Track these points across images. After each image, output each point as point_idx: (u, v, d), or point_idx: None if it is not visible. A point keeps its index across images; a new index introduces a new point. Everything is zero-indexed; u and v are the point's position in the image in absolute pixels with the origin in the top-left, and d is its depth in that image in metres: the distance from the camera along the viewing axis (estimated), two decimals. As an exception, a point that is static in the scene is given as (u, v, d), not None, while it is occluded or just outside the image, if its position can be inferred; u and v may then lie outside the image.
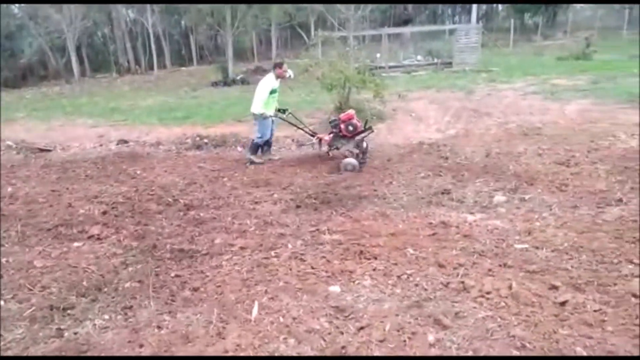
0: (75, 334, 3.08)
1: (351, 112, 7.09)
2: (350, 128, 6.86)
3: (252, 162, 7.41)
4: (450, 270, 3.59)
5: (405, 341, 2.77)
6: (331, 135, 7.09)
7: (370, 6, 21.43)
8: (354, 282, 3.55)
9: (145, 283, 3.69)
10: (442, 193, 5.42)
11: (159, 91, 18.77)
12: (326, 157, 7.42)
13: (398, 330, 2.87)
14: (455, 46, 19.85)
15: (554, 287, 3.24)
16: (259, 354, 2.78)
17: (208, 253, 4.20)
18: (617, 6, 30.32)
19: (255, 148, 7.57)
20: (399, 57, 22.43)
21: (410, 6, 36.21)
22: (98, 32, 34.57)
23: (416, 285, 3.42)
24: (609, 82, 11.49)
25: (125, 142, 9.39)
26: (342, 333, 2.91)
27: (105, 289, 3.63)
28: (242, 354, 2.78)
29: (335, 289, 3.45)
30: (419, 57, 22.44)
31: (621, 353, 2.53)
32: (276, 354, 2.77)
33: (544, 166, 6.06)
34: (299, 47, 28.04)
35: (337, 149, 7.08)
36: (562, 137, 7.23)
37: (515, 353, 2.60)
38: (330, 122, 7.24)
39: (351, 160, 6.63)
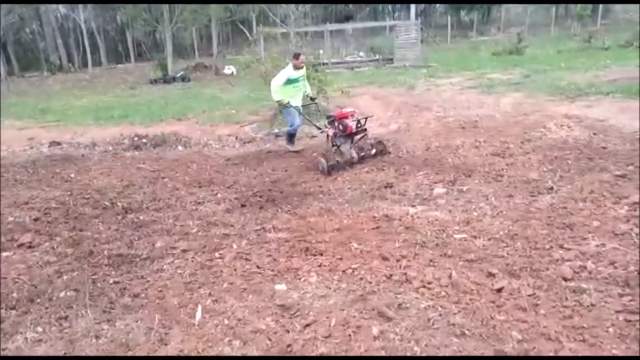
0: (4, 349, 2.90)
1: (348, 110, 6.76)
2: (341, 127, 6.52)
3: (290, 151, 7.66)
4: (393, 262, 3.65)
5: (350, 335, 2.79)
6: (333, 132, 6.75)
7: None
8: (300, 279, 3.54)
9: (81, 291, 3.52)
10: (385, 187, 5.51)
11: (94, 90, 17.99)
12: (276, 154, 7.49)
13: (343, 325, 2.89)
14: (395, 42, 20.24)
15: (491, 275, 3.36)
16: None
17: (148, 257, 4.06)
18: (545, 4, 31.96)
19: (290, 138, 7.73)
20: (341, 54, 22.64)
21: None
22: (26, 28, 32.63)
23: (361, 279, 3.45)
24: (539, 76, 12.09)
25: (58, 144, 8.92)
26: (287, 331, 2.90)
27: (38, 300, 3.44)
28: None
29: (281, 287, 3.43)
30: (361, 54, 22.76)
31: (552, 335, 2.66)
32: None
33: (480, 158, 6.28)
34: (241, 43, 27.67)
35: (338, 146, 6.67)
36: (497, 130, 7.51)
37: (455, 341, 2.67)
38: (327, 118, 7.06)
39: (321, 160, 6.36)
